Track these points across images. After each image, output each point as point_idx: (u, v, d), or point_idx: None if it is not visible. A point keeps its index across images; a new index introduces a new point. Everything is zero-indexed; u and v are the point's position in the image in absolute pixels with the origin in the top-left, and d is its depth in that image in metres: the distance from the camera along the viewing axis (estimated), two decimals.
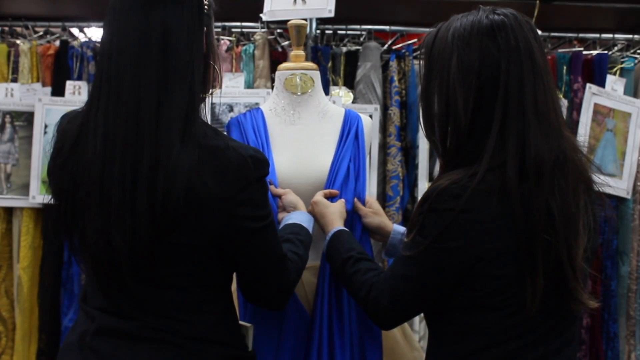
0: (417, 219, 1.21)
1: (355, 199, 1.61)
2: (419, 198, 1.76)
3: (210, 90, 1.25)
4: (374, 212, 1.62)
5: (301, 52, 1.72)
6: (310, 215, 1.54)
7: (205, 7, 1.19)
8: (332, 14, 2.32)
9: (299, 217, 1.50)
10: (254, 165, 1.16)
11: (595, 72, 2.84)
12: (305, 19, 1.84)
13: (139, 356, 1.14)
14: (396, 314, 1.30)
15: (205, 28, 1.18)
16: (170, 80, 1.11)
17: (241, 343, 1.28)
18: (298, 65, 1.70)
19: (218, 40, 2.81)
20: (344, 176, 1.59)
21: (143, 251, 1.10)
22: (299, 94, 1.70)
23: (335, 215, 1.53)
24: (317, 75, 1.72)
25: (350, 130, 1.66)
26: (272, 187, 1.56)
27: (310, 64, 1.72)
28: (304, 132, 1.68)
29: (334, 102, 2.23)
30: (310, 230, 1.49)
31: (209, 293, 1.21)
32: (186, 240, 1.13)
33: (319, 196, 1.57)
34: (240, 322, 1.31)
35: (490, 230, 1.15)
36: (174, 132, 1.10)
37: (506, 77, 1.18)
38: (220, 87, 2.68)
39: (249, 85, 2.77)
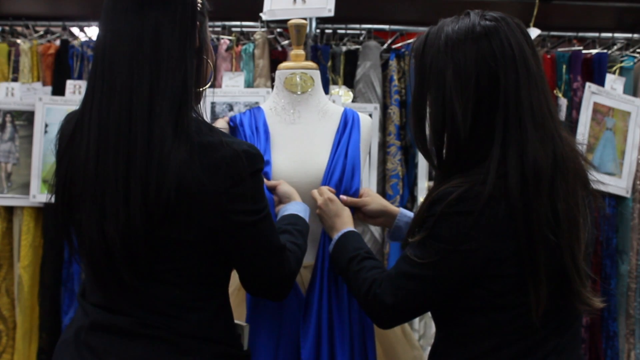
0: (426, 220, 1.21)
1: (345, 197, 1.60)
2: (420, 197, 1.76)
3: (206, 86, 1.26)
4: (372, 199, 1.63)
5: (301, 52, 1.72)
6: (306, 205, 1.55)
7: (199, 5, 1.20)
8: (331, 13, 2.32)
9: (295, 207, 1.51)
10: (248, 160, 1.16)
11: (595, 71, 2.84)
12: (305, 18, 1.84)
13: (133, 352, 1.15)
14: (401, 314, 1.30)
15: (198, 24, 1.20)
16: (163, 75, 1.13)
17: (236, 341, 1.29)
18: (298, 65, 1.70)
19: (218, 39, 2.81)
20: (339, 176, 1.60)
21: (137, 245, 1.11)
22: (299, 93, 1.70)
23: (350, 218, 1.56)
24: (317, 74, 1.72)
25: (345, 128, 1.67)
26: (265, 180, 1.57)
27: (311, 63, 1.73)
28: (303, 131, 1.68)
29: (333, 101, 2.24)
30: (307, 219, 1.50)
31: (204, 290, 1.21)
32: (181, 235, 1.14)
33: (332, 194, 1.58)
34: (236, 321, 1.31)
35: (500, 232, 1.17)
36: (167, 125, 1.11)
37: (505, 88, 1.19)
38: (219, 86, 2.69)
39: (249, 84, 2.78)
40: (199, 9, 1.20)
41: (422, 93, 1.28)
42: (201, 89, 1.25)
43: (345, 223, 1.52)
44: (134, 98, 1.11)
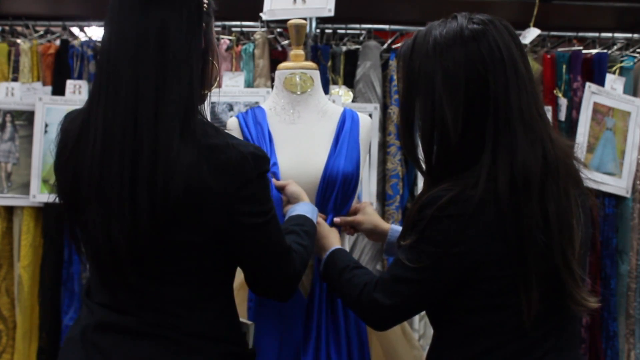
0: (417, 224, 1.21)
1: (338, 219, 1.63)
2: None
3: (211, 87, 1.26)
4: (365, 219, 1.65)
5: (301, 52, 1.72)
6: (314, 206, 1.56)
7: (205, 6, 1.20)
8: (331, 13, 2.32)
9: (303, 208, 1.51)
10: (254, 162, 1.17)
11: (595, 71, 2.84)
12: (305, 18, 1.84)
13: (139, 352, 1.15)
14: (395, 316, 1.31)
15: (204, 25, 1.19)
16: (169, 76, 1.12)
17: (241, 340, 1.29)
18: (298, 65, 1.70)
19: (218, 39, 2.81)
20: (337, 176, 1.60)
21: (143, 246, 1.11)
22: (298, 93, 1.70)
23: (336, 238, 1.57)
24: (316, 74, 1.72)
25: (343, 128, 1.67)
26: (274, 180, 1.57)
27: (310, 64, 1.73)
28: (303, 131, 1.68)
29: (333, 101, 2.24)
30: (315, 220, 1.51)
31: (209, 290, 1.21)
32: (187, 236, 1.14)
33: (320, 218, 1.60)
34: (241, 320, 1.32)
35: (491, 235, 1.17)
36: (173, 127, 1.11)
37: (494, 92, 1.19)
38: (220, 86, 2.69)
39: (249, 84, 2.78)
40: (204, 9, 1.19)
41: (411, 98, 1.27)
42: (206, 91, 1.24)
43: (332, 243, 1.54)
44: (139, 100, 1.11)
